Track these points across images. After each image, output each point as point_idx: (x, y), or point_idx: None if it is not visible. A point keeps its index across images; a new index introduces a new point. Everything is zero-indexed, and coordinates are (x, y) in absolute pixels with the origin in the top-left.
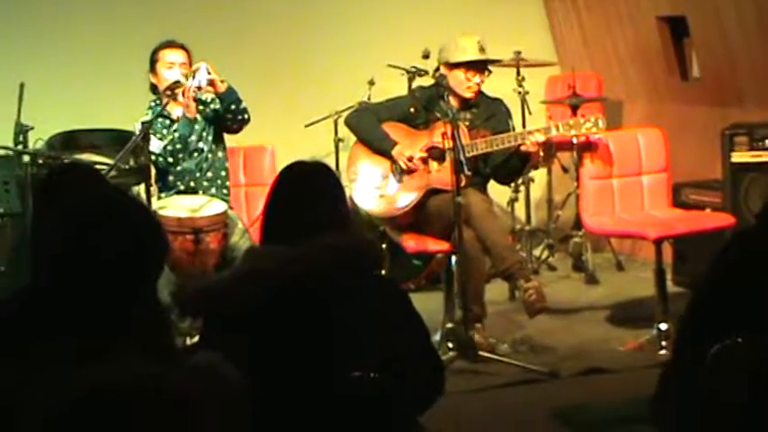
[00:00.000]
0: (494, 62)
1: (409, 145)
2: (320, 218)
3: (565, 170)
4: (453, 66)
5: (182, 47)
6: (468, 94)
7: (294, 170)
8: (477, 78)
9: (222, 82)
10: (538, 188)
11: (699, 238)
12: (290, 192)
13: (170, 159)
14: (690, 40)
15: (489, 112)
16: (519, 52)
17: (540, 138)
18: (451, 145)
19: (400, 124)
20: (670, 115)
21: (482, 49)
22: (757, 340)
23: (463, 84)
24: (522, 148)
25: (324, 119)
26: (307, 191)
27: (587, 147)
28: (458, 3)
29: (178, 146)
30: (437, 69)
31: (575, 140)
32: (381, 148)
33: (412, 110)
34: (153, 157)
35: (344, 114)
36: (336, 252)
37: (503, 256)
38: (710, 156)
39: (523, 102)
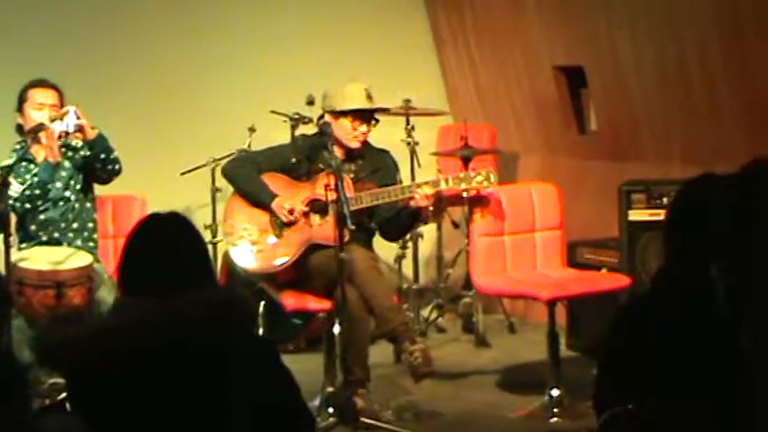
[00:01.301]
0: (382, 111)
1: (290, 197)
2: (177, 271)
3: (455, 226)
4: (339, 114)
5: (53, 87)
6: (354, 144)
7: (148, 222)
8: (363, 128)
9: (92, 128)
10: (427, 244)
11: (594, 299)
12: (144, 243)
13: (27, 205)
14: (587, 91)
15: (375, 164)
16: (408, 100)
17: (429, 191)
18: (335, 197)
19: (281, 175)
20: (566, 170)
21: (369, 97)
22: (642, 407)
23: (349, 133)
24: (412, 202)
25: (200, 167)
26: (161, 242)
27: (478, 201)
28: (345, 48)
29: (36, 191)
30: (321, 117)
31: (465, 194)
32: (260, 199)
33: (294, 160)
34: (10, 203)
35: (222, 163)
36: (207, 307)
37: (388, 317)
38: (607, 213)
39: (413, 153)
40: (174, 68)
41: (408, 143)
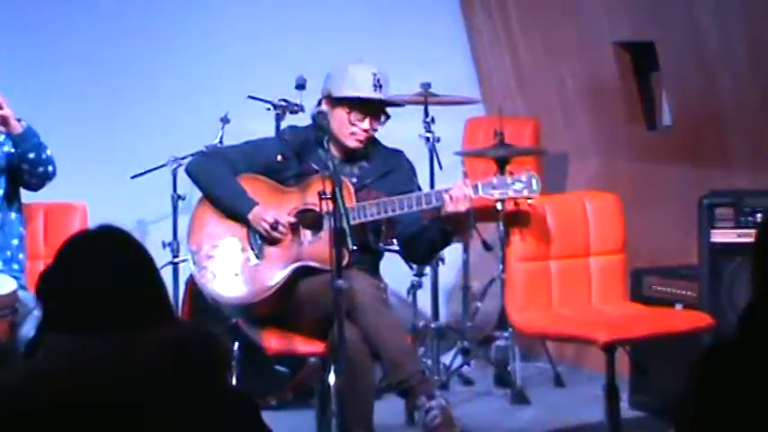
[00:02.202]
0: (392, 105)
1: (275, 205)
2: (118, 301)
3: (487, 248)
4: (336, 102)
5: None
6: (352, 144)
7: (78, 239)
8: (365, 123)
9: (18, 120)
10: (449, 271)
11: (666, 344)
12: (73, 267)
13: None
14: (659, 74)
15: (385, 168)
16: (428, 84)
17: (468, 191)
18: (331, 208)
19: (263, 177)
20: (631, 176)
21: (378, 85)
22: None
23: (345, 128)
24: (444, 210)
25: (157, 168)
26: (95, 265)
27: (516, 217)
28: (346, 19)
29: None
30: (319, 104)
31: (500, 206)
32: (235, 208)
33: (279, 158)
34: None
35: (186, 163)
36: (164, 349)
37: (399, 363)
38: (684, 233)
39: (432, 152)
40: (126, 44)
41: (426, 139)
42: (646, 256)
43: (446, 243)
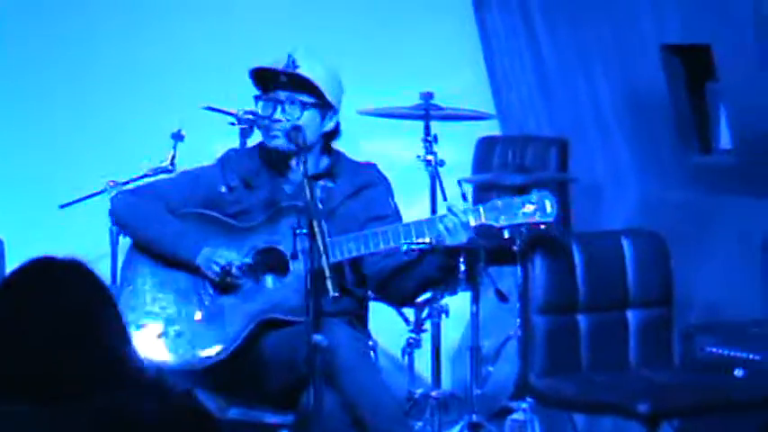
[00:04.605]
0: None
1: (227, 246)
2: (65, 360)
3: (501, 298)
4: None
5: None
6: (270, 144)
7: (23, 275)
8: (277, 112)
9: None
10: (455, 327)
11: (723, 418)
12: (12, 313)
13: None
14: (716, 85)
15: (354, 185)
16: (429, 95)
17: (467, 219)
18: (306, 245)
19: (209, 213)
20: (680, 210)
21: (294, 66)
22: None
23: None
24: (442, 242)
25: (91, 196)
26: (40, 309)
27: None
28: (333, 11)
29: None
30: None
31: (507, 235)
32: (177, 252)
33: (224, 189)
34: None
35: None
36: (112, 423)
37: None
38: (747, 280)
39: (434, 178)
40: (51, 45)
41: (427, 162)
42: (698, 309)
43: (446, 281)
